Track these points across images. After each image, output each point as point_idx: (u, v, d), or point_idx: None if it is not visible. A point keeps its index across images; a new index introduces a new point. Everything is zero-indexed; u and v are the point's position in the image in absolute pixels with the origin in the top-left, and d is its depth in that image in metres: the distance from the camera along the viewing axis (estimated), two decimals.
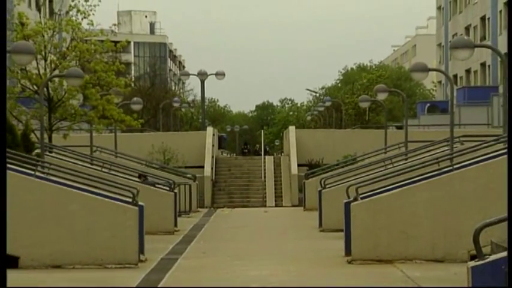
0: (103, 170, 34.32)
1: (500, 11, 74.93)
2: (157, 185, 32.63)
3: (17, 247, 20.36)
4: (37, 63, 39.67)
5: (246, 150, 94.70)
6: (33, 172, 22.47)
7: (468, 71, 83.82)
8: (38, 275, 19.19)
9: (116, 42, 45.36)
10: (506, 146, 7.51)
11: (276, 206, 51.47)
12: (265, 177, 56.93)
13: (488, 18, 78.22)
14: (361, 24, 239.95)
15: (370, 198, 21.68)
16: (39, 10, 78.35)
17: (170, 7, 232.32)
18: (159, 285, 17.73)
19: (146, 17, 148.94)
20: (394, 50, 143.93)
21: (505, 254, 9.40)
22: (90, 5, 42.02)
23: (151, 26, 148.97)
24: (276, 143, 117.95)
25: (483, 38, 77.73)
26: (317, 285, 17.64)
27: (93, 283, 18.08)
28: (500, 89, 42.77)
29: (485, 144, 24.71)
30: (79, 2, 42.29)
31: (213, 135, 60.49)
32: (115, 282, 17.86)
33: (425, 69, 31.93)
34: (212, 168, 54.77)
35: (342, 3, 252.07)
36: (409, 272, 18.85)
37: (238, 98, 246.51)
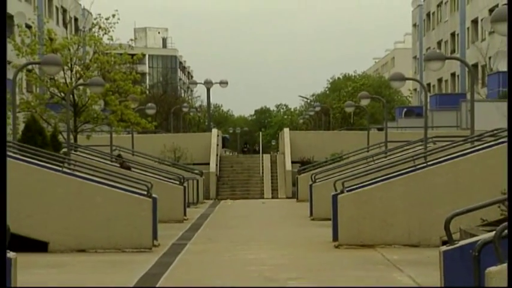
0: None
1: (468, 28, 74.89)
2: (132, 169, 32.60)
3: (47, 234, 20.42)
4: (64, 74, 39.64)
5: (246, 149, 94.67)
6: (60, 168, 22.47)
7: (440, 80, 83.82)
8: (64, 258, 19.20)
9: (132, 55, 45.40)
10: (507, 146, 7.33)
11: (272, 198, 51.40)
12: (263, 172, 56.89)
13: (458, 34, 78.18)
14: (346, 39, 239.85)
15: (355, 191, 21.68)
16: (65, 27, 78.38)
17: (180, 24, 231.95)
18: (166, 272, 17.68)
19: (159, 33, 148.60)
20: (375, 61, 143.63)
21: (472, 239, 9.42)
22: (110, 23, 42.02)
23: (164, 41, 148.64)
24: (273, 143, 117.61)
25: (453, 51, 77.70)
26: (308, 267, 17.60)
27: (113, 265, 18.09)
28: (468, 96, 42.77)
29: (455, 144, 24.73)
30: (100, 20, 42.29)
31: (217, 136, 60.43)
32: (132, 265, 17.85)
33: (403, 79, 31.97)
34: (217, 165, 54.72)
35: (331, 22, 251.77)
36: (388, 255, 18.86)
37: (239, 103, 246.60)
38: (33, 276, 15.34)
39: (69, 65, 40.29)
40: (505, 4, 44.56)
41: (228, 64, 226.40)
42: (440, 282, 9.36)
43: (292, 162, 52.40)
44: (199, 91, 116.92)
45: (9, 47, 47.55)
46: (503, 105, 45.17)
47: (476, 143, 23.24)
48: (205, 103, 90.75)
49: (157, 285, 13.53)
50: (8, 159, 21.54)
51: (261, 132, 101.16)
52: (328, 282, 15.33)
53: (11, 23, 64.61)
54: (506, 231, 8.04)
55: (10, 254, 9.17)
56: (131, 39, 50.07)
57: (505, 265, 7.64)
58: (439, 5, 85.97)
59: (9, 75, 38.92)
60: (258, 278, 16.14)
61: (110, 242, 20.40)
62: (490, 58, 62.78)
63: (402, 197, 20.88)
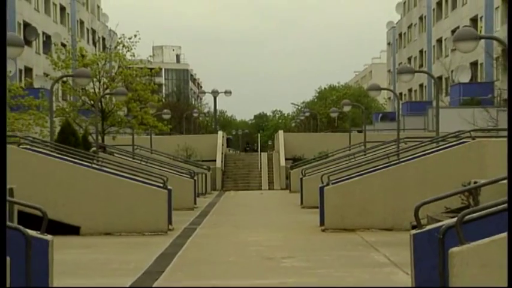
0: (142, 162, 34.35)
1: (434, 46, 74.81)
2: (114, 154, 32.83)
3: (79, 219, 20.41)
4: (93, 85, 39.64)
5: (248, 148, 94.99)
6: (90, 164, 22.49)
7: (410, 90, 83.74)
8: (93, 240, 19.19)
9: (151, 69, 45.47)
10: (507, 146, 7.29)
11: (269, 189, 51.43)
12: (261, 168, 56.92)
13: (425, 51, 78.11)
14: (331, 55, 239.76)
15: (338, 184, 21.69)
16: (94, 45, 78.33)
17: (191, 42, 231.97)
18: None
19: (173, 50, 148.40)
20: (355, 74, 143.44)
21: (437, 224, 9.40)
22: (132, 42, 42.07)
23: (177, 57, 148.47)
24: (269, 143, 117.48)
25: (421, 65, 77.58)
26: (299, 247, 17.59)
27: (135, 246, 18.06)
28: (434, 103, 42.83)
29: (422, 144, 24.73)
30: (124, 39, 42.28)
31: (223, 137, 60.38)
32: (150, 245, 17.82)
33: (379, 89, 31.96)
34: (222, 162, 54.70)
35: (318, 41, 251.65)
36: (366, 237, 18.86)
37: (241, 109, 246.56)
38: (67, 256, 15.32)
39: (98, 77, 40.28)
40: (466, 26, 44.67)
41: (232, 76, 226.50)
42: (411, 260, 9.35)
43: (286, 159, 52.39)
44: (207, 99, 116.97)
45: (47, 61, 47.48)
46: (463, 111, 45.13)
47: (440, 143, 23.23)
48: (212, 109, 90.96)
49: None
50: (46, 156, 21.56)
51: (259, 134, 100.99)
52: (316, 261, 15.32)
53: (49, 42, 64.57)
54: (466, 217, 8.03)
55: (48, 237, 9.16)
56: (150, 56, 50.06)
57: (465, 246, 7.62)
58: (409, 27, 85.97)
59: (47, 86, 38.86)
60: (257, 256, 16.14)
61: (132, 227, 20.40)
62: (452, 71, 62.71)
63: (378, 188, 20.88)
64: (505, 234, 7.60)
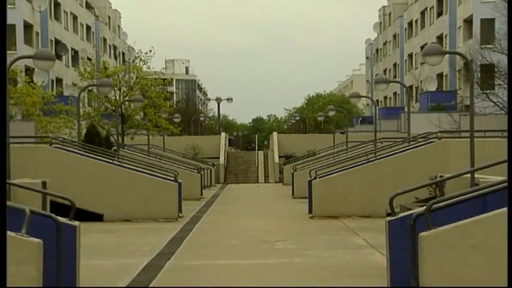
0: (156, 159, 34.33)
1: (406, 60, 74.78)
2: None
3: (102, 208, 20.40)
4: (114, 93, 39.57)
5: (250, 147, 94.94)
6: (112, 161, 22.48)
7: (385, 97, 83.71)
8: (115, 226, 19.18)
9: (164, 79, 45.37)
10: (507, 146, 7.26)
11: (265, 182, 51.33)
12: (258, 164, 56.86)
13: (398, 64, 78.08)
14: (318, 67, 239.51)
15: (324, 178, 21.70)
16: (115, 59, 78.21)
17: (199, 56, 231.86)
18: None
19: (183, 63, 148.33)
20: (339, 83, 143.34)
21: (408, 212, 9.38)
22: (148, 56, 42.04)
23: (186, 69, 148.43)
24: (265, 143, 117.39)
25: (395, 76, 77.50)
26: (291, 232, 17.57)
27: (150, 231, 18.04)
28: (405, 109, 42.83)
29: (396, 144, 24.74)
30: (141, 54, 42.24)
31: (225, 137, 60.36)
32: (163, 230, 17.80)
33: (359, 96, 31.91)
34: (224, 159, 54.64)
35: (307, 54, 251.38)
36: (348, 223, 18.87)
37: (241, 114, 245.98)
38: (92, 239, 15.31)
39: (118, 86, 40.20)
40: (433, 42, 44.57)
41: (233, 85, 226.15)
42: (386, 243, 9.33)
43: (279, 157, 52.32)
44: (212, 105, 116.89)
45: (75, 73, 47.41)
46: (431, 116, 45.11)
47: (411, 143, 23.22)
48: (216, 114, 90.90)
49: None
50: (74, 154, 21.53)
51: (256, 135, 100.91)
52: (305, 243, 15.30)
53: (77, 56, 64.49)
54: (434, 206, 8.02)
55: (75, 223, 9.14)
56: (163, 68, 50.05)
57: (433, 230, 7.61)
58: (384, 44, 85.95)
59: (75, 94, 38.77)
60: (255, 240, 16.12)
61: (148, 214, 20.40)
62: (421, 82, 62.72)
63: (358, 181, 20.89)
64: (466, 220, 7.60)
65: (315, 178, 21.85)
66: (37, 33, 57.52)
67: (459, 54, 21.92)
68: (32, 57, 16.46)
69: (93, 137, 28.92)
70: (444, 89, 59.50)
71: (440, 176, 16.69)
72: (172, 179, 21.51)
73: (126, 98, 38.92)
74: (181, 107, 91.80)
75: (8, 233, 7.42)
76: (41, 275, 7.49)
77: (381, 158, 21.97)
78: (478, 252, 7.45)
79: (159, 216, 20.33)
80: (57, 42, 62.18)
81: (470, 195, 8.64)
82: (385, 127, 52.49)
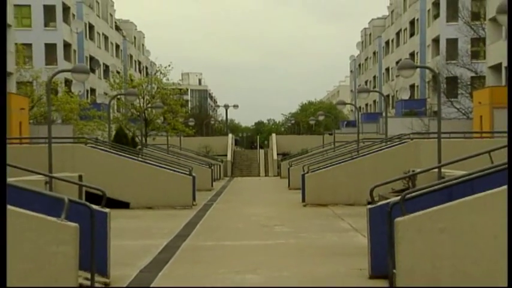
0: (174, 157, 34.26)
1: (383, 73, 74.75)
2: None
3: (129, 197, 20.37)
4: (139, 100, 39.64)
5: (253, 146, 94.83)
6: (137, 158, 22.46)
7: (367, 105, 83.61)
8: (139, 212, 19.16)
9: (180, 89, 45.46)
10: (507, 146, 7.15)
11: (265, 176, 51.23)
12: (259, 160, 56.84)
13: (377, 77, 78.01)
14: (310, 78, 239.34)
15: (315, 172, 21.66)
16: (140, 72, 78.20)
17: (209, 70, 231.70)
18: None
19: (196, 76, 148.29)
20: (327, 92, 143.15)
21: (386, 201, 9.35)
22: (167, 70, 42.20)
23: (199, 81, 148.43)
24: (265, 143, 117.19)
25: (374, 87, 77.40)
26: (287, 218, 17.54)
27: (169, 216, 17.98)
28: (383, 114, 42.82)
29: (375, 143, 24.70)
30: (161, 68, 42.38)
31: (232, 138, 60.34)
32: (180, 216, 17.72)
33: (344, 103, 31.96)
34: (231, 156, 54.59)
35: (300, 68, 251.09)
36: (335, 210, 18.83)
37: (245, 118, 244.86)
38: (120, 224, 15.31)
39: (142, 95, 40.30)
40: (407, 58, 44.62)
41: (239, 93, 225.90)
42: (367, 227, 9.31)
43: (277, 154, 52.27)
44: (221, 111, 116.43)
45: (106, 84, 47.42)
46: (405, 120, 45.08)
47: (388, 143, 23.19)
48: (224, 118, 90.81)
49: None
50: (105, 152, 21.51)
51: (258, 136, 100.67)
52: (299, 227, 15.27)
53: (108, 70, 64.49)
54: (407, 196, 8.01)
55: (106, 210, 9.12)
56: (180, 80, 50.23)
57: (406, 216, 7.60)
58: (366, 59, 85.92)
59: (106, 101, 38.74)
60: (257, 224, 16.09)
61: (167, 202, 20.37)
62: (396, 91, 62.64)
63: (344, 175, 20.84)
64: (434, 208, 7.59)
65: (308, 172, 21.83)
66: (74, 51, 57.58)
67: (428, 68, 21.91)
68: (70, 70, 16.50)
69: (121, 138, 28.92)
70: (416, 98, 59.43)
71: (413, 171, 16.66)
72: (188, 173, 21.50)
73: (149, 105, 38.97)
74: (195, 113, 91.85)
75: (50, 218, 7.44)
76: (77, 253, 7.50)
77: (363, 155, 21.94)
78: (444, 235, 7.45)
79: (176, 204, 20.31)
80: (91, 58, 62.24)
81: (438, 186, 8.64)
82: (366, 129, 52.37)
